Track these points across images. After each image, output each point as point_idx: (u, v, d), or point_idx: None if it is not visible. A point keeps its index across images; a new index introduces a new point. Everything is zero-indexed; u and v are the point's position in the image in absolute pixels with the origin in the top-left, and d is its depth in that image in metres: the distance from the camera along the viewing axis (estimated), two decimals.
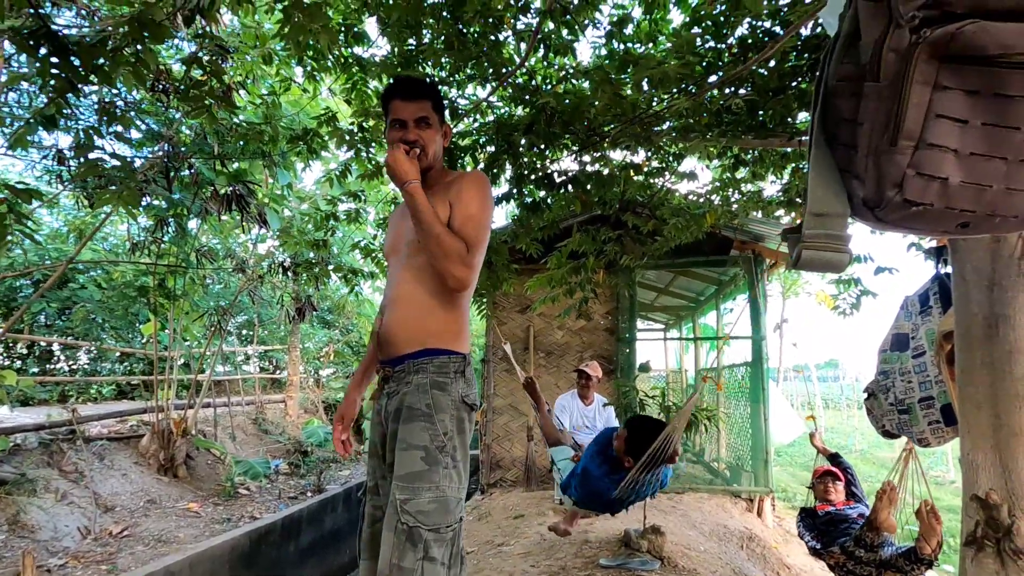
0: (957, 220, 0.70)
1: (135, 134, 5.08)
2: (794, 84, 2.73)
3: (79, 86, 1.69)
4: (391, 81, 1.61)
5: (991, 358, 1.12)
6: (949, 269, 1.51)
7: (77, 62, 1.61)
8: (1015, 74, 0.63)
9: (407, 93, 1.53)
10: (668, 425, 2.67)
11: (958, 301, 1.22)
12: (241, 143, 4.64)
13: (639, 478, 2.67)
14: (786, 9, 2.57)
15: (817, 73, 0.84)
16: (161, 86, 3.84)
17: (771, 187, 4.14)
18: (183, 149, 4.89)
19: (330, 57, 2.75)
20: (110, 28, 1.67)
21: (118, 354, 10.43)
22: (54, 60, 1.55)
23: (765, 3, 2.49)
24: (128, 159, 3.35)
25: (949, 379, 1.48)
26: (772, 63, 2.69)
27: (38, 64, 1.53)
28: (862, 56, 0.75)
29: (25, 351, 9.99)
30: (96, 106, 3.82)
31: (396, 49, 3.00)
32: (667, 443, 2.60)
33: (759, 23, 2.72)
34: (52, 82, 1.64)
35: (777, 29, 2.69)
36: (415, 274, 1.49)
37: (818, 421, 15.22)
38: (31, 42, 1.48)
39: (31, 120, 1.76)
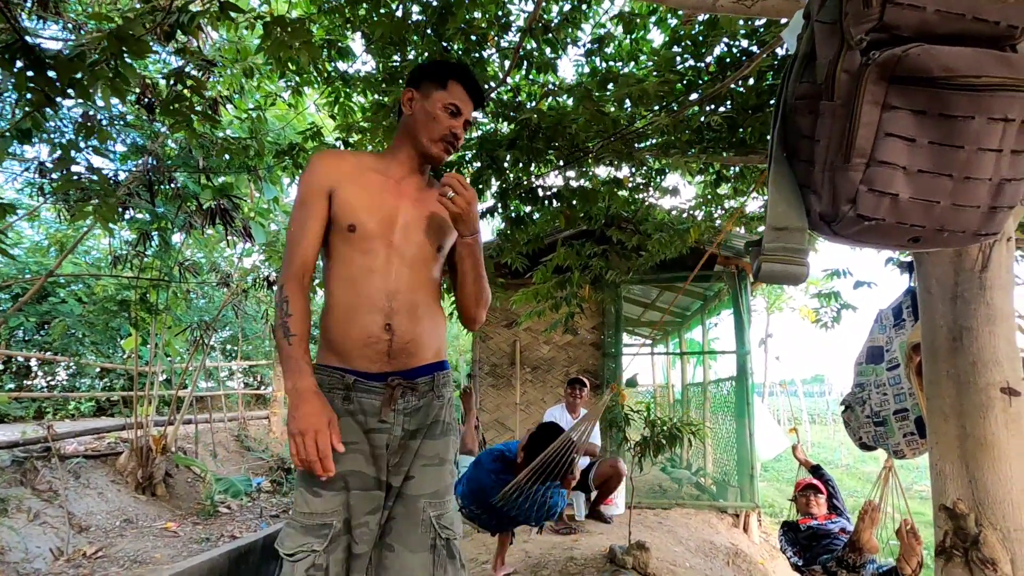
0: (908, 235, 0.72)
1: (119, 147, 5.06)
2: (771, 102, 2.79)
3: (57, 100, 1.69)
4: (464, 70, 1.39)
5: (956, 369, 1.14)
6: None
7: (54, 76, 1.60)
8: (958, 95, 0.65)
9: (475, 93, 1.39)
10: (568, 432, 2.65)
11: (924, 313, 1.25)
12: (226, 157, 4.63)
13: (525, 488, 2.59)
14: (762, 29, 2.65)
15: (778, 91, 0.86)
16: (146, 100, 3.84)
17: (753, 203, 4.21)
18: (168, 163, 4.86)
19: (313, 72, 2.77)
20: (87, 42, 1.67)
21: (98, 369, 10.24)
22: (30, 73, 1.55)
23: (740, 23, 2.56)
24: (107, 173, 3.32)
25: (919, 390, 1.51)
26: (750, 81, 2.76)
27: (14, 78, 1.53)
28: (818, 76, 0.78)
29: (1, 366, 9.78)
30: (78, 120, 3.80)
31: (381, 65, 3.04)
32: (564, 453, 2.56)
33: (736, 42, 2.79)
34: (29, 96, 1.64)
35: (754, 48, 2.77)
36: (422, 273, 1.34)
37: (804, 436, 15.35)
38: (6, 56, 1.48)
39: (7, 133, 1.75)
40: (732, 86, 2.67)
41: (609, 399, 3.02)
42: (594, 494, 4.40)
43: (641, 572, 3.27)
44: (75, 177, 2.44)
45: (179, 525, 5.73)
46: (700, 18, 2.70)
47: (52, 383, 10.34)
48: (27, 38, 1.59)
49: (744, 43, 2.80)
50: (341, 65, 3.15)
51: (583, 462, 4.34)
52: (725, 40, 2.76)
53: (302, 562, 1.17)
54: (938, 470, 1.17)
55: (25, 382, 9.97)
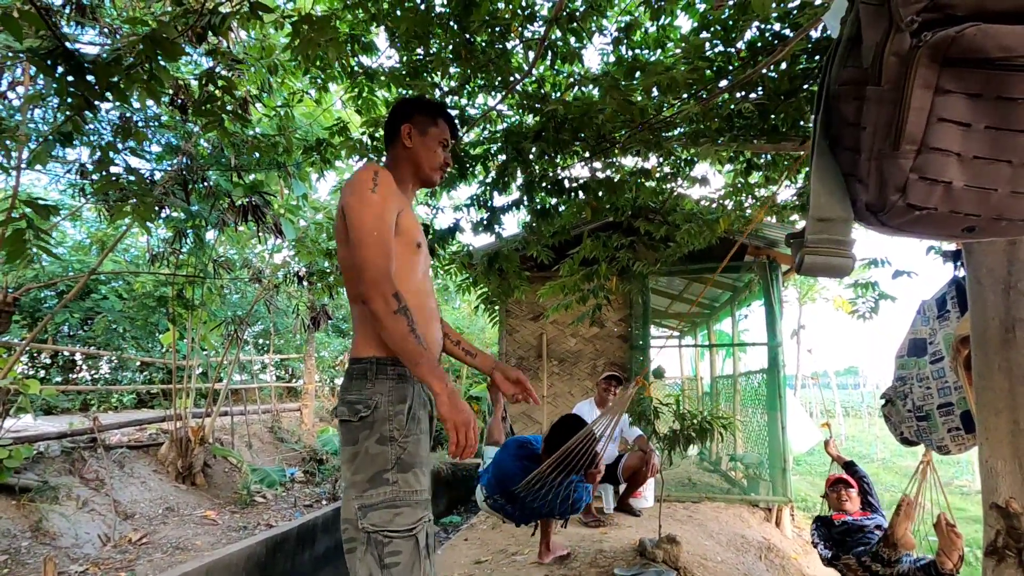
0: (962, 224, 0.68)
1: (155, 148, 5.20)
2: (805, 87, 2.70)
3: (95, 103, 1.74)
4: (446, 109, 1.66)
5: (1008, 362, 1.10)
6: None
7: (93, 80, 1.65)
8: (1017, 76, 0.62)
9: (455, 128, 1.69)
10: (591, 425, 2.58)
11: (974, 305, 1.19)
12: (256, 155, 4.72)
13: (548, 479, 2.56)
14: (795, 12, 2.56)
15: (820, 77, 0.83)
16: (180, 101, 3.94)
17: (785, 191, 4.10)
18: (201, 162, 4.99)
19: (336, 67, 2.79)
20: (123, 46, 1.71)
21: (138, 363, 10.62)
22: (70, 79, 1.60)
23: (773, 5, 2.48)
24: (143, 173, 3.42)
25: (967, 384, 1.45)
26: (783, 66, 2.68)
27: (55, 83, 1.58)
28: (864, 60, 0.75)
29: (49, 361, 10.21)
30: (116, 122, 3.92)
31: (405, 59, 3.04)
32: (586, 446, 2.51)
33: (768, 26, 2.71)
34: (69, 100, 1.69)
35: (787, 32, 2.68)
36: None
37: (838, 429, 14.97)
38: (48, 61, 1.53)
39: (49, 137, 1.81)
40: (764, 71, 2.59)
41: (635, 392, 2.98)
42: (623, 487, 4.38)
43: (672, 565, 3.24)
44: (114, 178, 2.51)
45: (218, 513, 5.92)
46: (730, 2, 2.62)
47: (96, 376, 10.77)
48: (66, 44, 1.64)
49: (776, 27, 2.71)
50: (365, 60, 3.16)
51: (610, 453, 4.30)
52: (757, 24, 2.68)
53: (421, 532, 1.33)
54: (989, 467, 1.12)
55: (71, 375, 10.40)
